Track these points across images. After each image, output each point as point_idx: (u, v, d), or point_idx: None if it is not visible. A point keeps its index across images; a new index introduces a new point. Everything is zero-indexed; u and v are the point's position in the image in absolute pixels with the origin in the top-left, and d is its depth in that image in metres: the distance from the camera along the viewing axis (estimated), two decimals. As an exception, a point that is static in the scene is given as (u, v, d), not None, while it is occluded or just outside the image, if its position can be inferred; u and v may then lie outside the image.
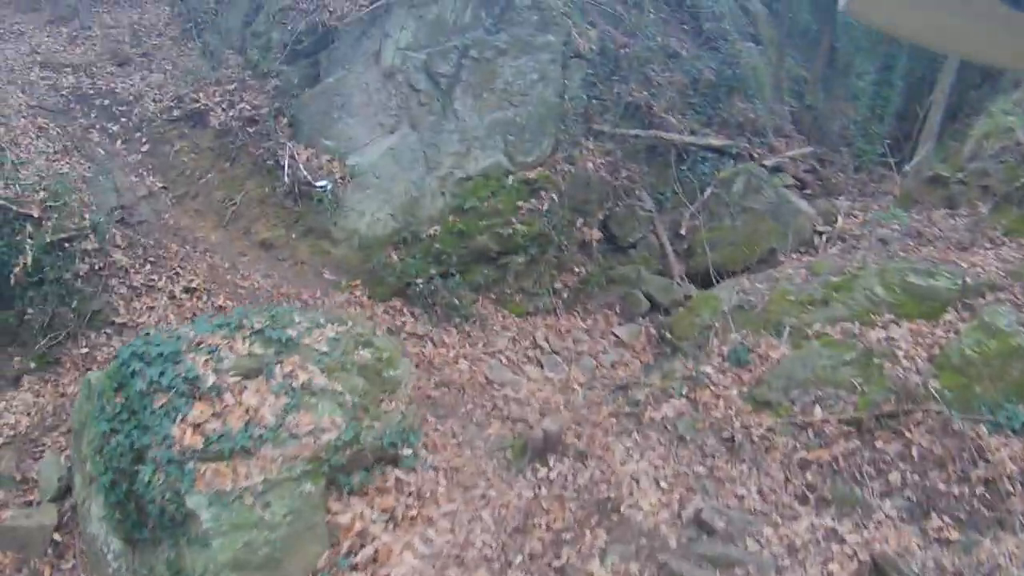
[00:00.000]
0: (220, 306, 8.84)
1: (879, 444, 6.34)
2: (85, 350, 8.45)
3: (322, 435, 5.78)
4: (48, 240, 7.98)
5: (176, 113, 10.29)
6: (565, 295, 11.12)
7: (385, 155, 9.90)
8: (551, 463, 6.77)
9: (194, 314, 8.77)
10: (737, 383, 7.90)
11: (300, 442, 5.66)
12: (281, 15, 10.89)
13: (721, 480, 6.43)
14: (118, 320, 8.61)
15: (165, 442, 5.47)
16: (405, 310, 9.78)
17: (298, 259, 9.77)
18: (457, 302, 9.84)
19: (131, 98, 10.55)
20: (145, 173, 10.03)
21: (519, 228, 10.24)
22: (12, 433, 7.50)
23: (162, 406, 5.60)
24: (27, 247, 7.87)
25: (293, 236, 9.81)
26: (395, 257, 9.83)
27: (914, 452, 6.18)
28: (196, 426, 5.58)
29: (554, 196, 10.70)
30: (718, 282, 10.99)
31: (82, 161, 9.52)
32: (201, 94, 10.31)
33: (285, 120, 10.15)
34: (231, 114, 10.08)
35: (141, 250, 9.13)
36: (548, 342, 10.32)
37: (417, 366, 8.84)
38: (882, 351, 7.16)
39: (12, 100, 10.09)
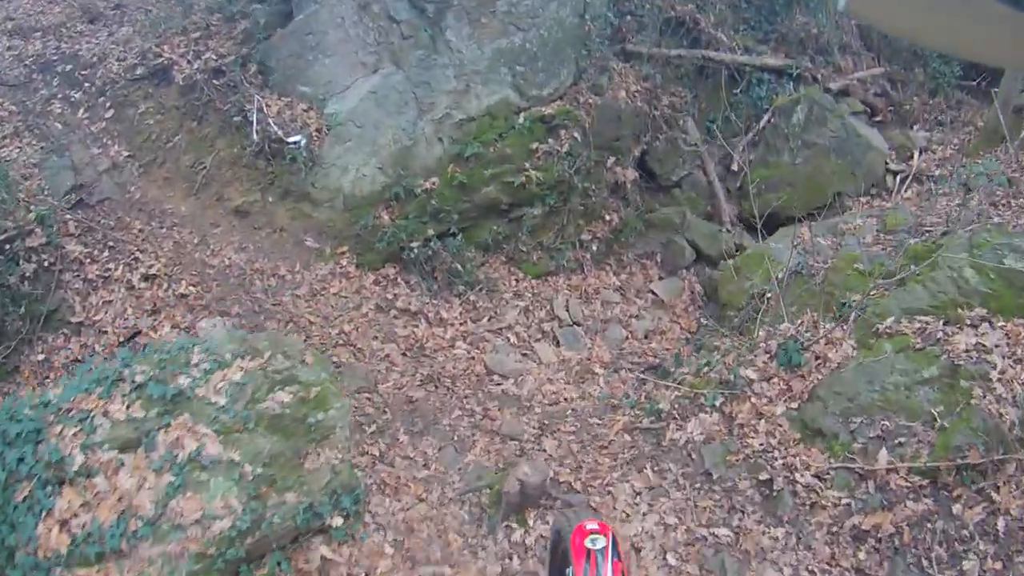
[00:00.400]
0: (182, 295, 7.54)
1: (956, 508, 4.61)
2: (41, 356, 7.38)
3: (212, 524, 4.36)
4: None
5: (140, 71, 8.91)
6: (594, 248, 9.29)
7: (366, 99, 8.22)
8: (531, 521, 5.14)
9: (154, 305, 7.51)
10: (784, 395, 6.13)
11: (186, 534, 4.29)
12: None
13: (748, 554, 4.67)
14: (74, 319, 7.46)
15: (30, 544, 4.21)
16: (399, 279, 8.20)
17: (276, 226, 8.31)
18: (460, 267, 8.17)
19: (95, 60, 9.25)
20: (109, 142, 8.75)
21: (534, 175, 8.40)
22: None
23: (25, 499, 4.28)
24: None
25: (270, 200, 8.34)
26: (386, 218, 8.21)
27: (999, 525, 4.25)
28: (63, 523, 4.28)
29: (576, 134, 8.77)
30: (774, 231, 8.94)
31: (34, 142, 8.32)
32: (165, 46, 8.86)
33: (254, 68, 8.58)
34: (196, 66, 8.62)
35: (100, 235, 7.86)
36: (568, 310, 8.55)
37: (405, 354, 7.31)
38: (971, 370, 5.32)
39: None
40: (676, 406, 6.46)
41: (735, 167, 10.35)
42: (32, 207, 7.54)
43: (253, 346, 5.18)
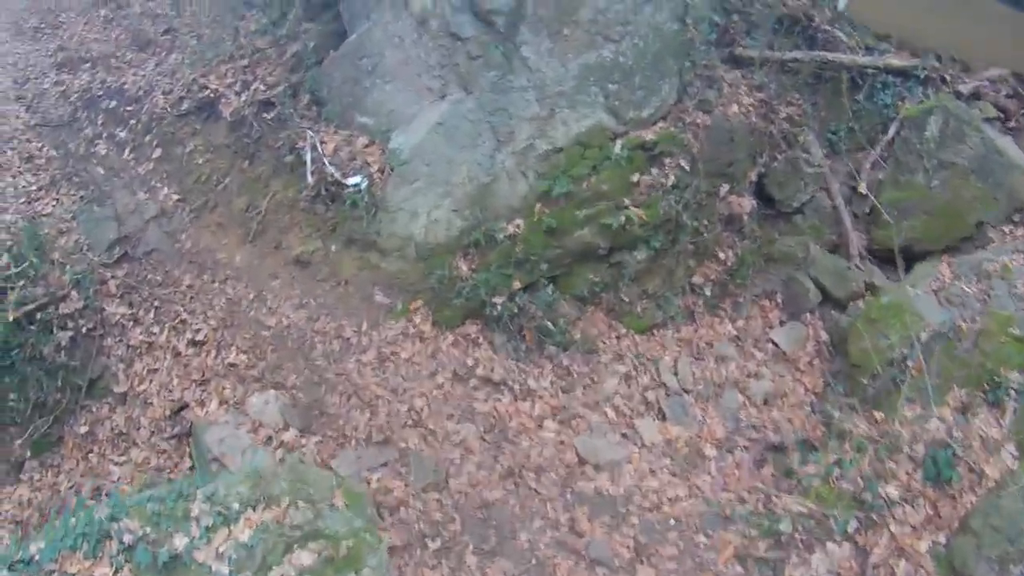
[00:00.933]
0: (232, 364, 6.35)
1: None
2: (85, 428, 6.52)
3: None
4: (12, 316, 5.78)
5: (186, 105, 7.80)
6: (707, 291, 7.73)
7: (434, 132, 6.85)
8: None
9: (203, 374, 6.41)
10: (931, 524, 5.04)
11: None
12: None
13: None
14: (118, 389, 6.50)
15: None
16: (481, 339, 6.82)
17: (340, 278, 7.05)
18: (551, 324, 6.75)
19: (141, 93, 8.21)
20: (158, 185, 7.69)
21: (635, 214, 6.88)
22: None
23: None
24: (-12, 328, 5.72)
25: (333, 249, 7.08)
26: (465, 268, 6.84)
27: None
28: None
29: (683, 162, 7.19)
30: (909, 267, 7.76)
31: (73, 191, 7.39)
32: (212, 76, 7.71)
33: (306, 98, 7.33)
34: (244, 98, 7.47)
35: (145, 293, 6.77)
36: (677, 373, 7.05)
37: (483, 438, 5.96)
38: None
39: (11, 123, 8.06)
40: (800, 527, 5.10)
41: (862, 189, 8.52)
42: (67, 268, 6.50)
43: (267, 492, 3.92)
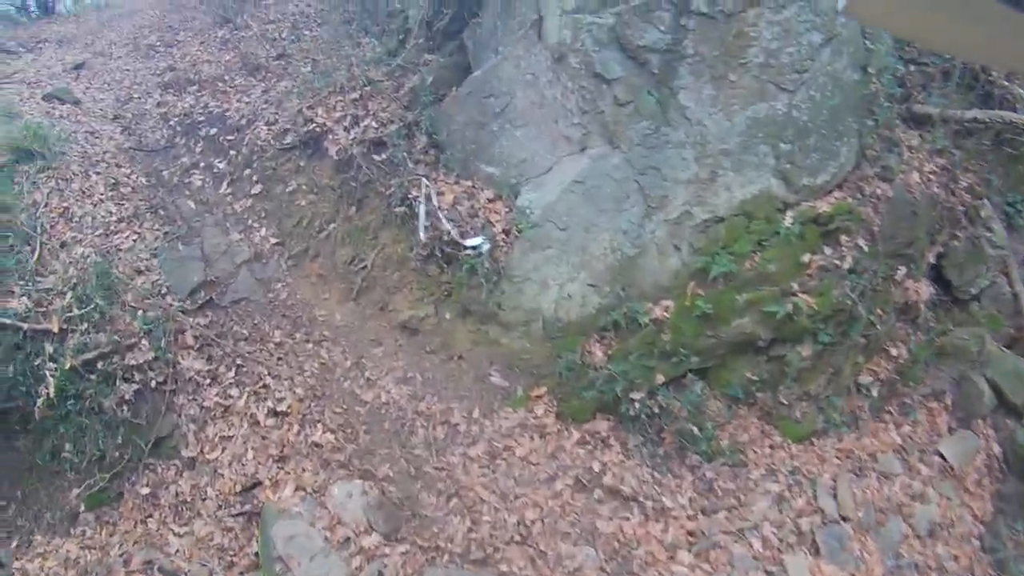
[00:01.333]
0: (316, 443, 5.40)
1: None
2: (147, 489, 5.67)
3: None
4: (70, 364, 4.87)
5: (290, 139, 6.88)
6: (874, 392, 6.37)
7: (571, 190, 5.78)
8: None
9: (281, 451, 5.48)
10: None
11: None
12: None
13: None
14: (186, 453, 5.57)
15: None
16: (612, 440, 5.67)
17: (453, 352, 6.01)
18: (696, 429, 5.52)
19: (243, 122, 7.38)
20: (255, 225, 6.78)
21: (804, 302, 5.60)
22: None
23: None
24: (47, 373, 4.81)
25: (446, 317, 6.05)
26: (600, 354, 5.73)
27: None
28: None
29: (861, 241, 5.92)
30: None
31: (157, 226, 6.51)
32: (319, 109, 6.77)
33: (423, 140, 6.31)
34: (352, 136, 6.48)
35: (228, 346, 5.83)
36: (836, 495, 5.79)
37: (604, 568, 4.85)
38: None
39: (103, 144, 7.30)
40: None
41: (1052, 273, 7.07)
42: (139, 313, 5.64)
43: None
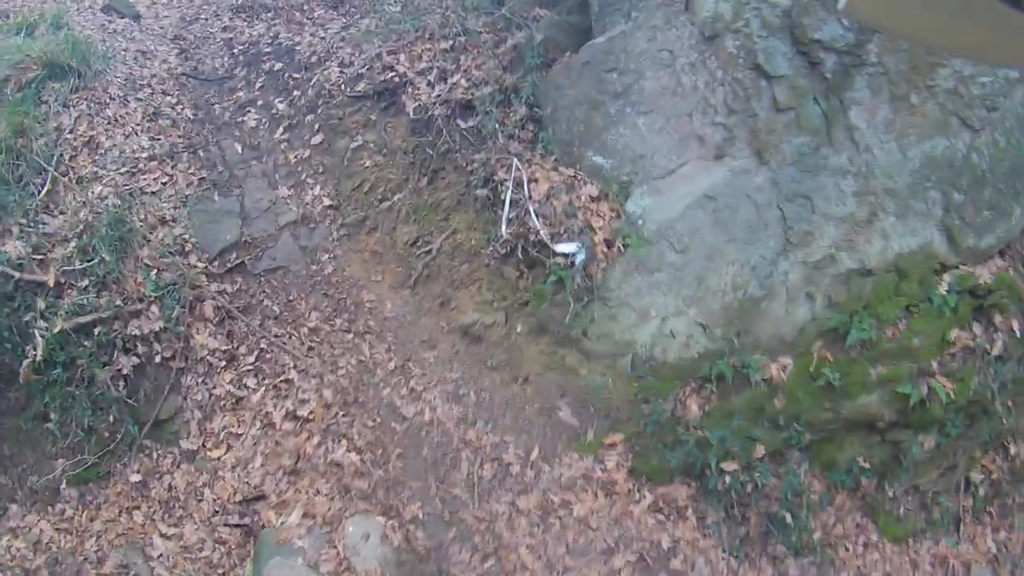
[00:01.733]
0: (336, 462, 4.47)
1: None
2: (138, 476, 4.79)
3: None
4: (60, 327, 3.93)
5: (362, 86, 5.76)
6: (982, 492, 5.28)
7: (698, 205, 4.69)
8: None
9: (295, 463, 4.55)
10: None
11: None
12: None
13: None
14: (186, 444, 4.58)
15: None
16: (690, 512, 4.63)
17: (519, 372, 5.00)
18: (789, 516, 4.48)
19: (313, 60, 6.23)
20: (309, 181, 5.70)
21: (942, 386, 4.50)
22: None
23: None
24: (36, 333, 3.85)
25: (517, 330, 5.02)
26: (695, 408, 4.69)
27: None
28: None
29: (1016, 323, 4.76)
30: None
31: (195, 169, 5.46)
32: (401, 56, 5.63)
33: (520, 111, 5.18)
34: (436, 93, 5.34)
35: (256, 322, 4.87)
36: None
37: None
38: None
39: (153, 66, 6.26)
40: None
41: None
42: (153, 273, 4.62)
43: None
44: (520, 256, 4.93)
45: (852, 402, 4.56)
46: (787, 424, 4.55)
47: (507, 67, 5.60)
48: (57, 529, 4.57)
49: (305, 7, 6.90)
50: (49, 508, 4.63)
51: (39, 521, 4.58)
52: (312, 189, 5.69)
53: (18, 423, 4.46)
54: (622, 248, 4.73)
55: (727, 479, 4.51)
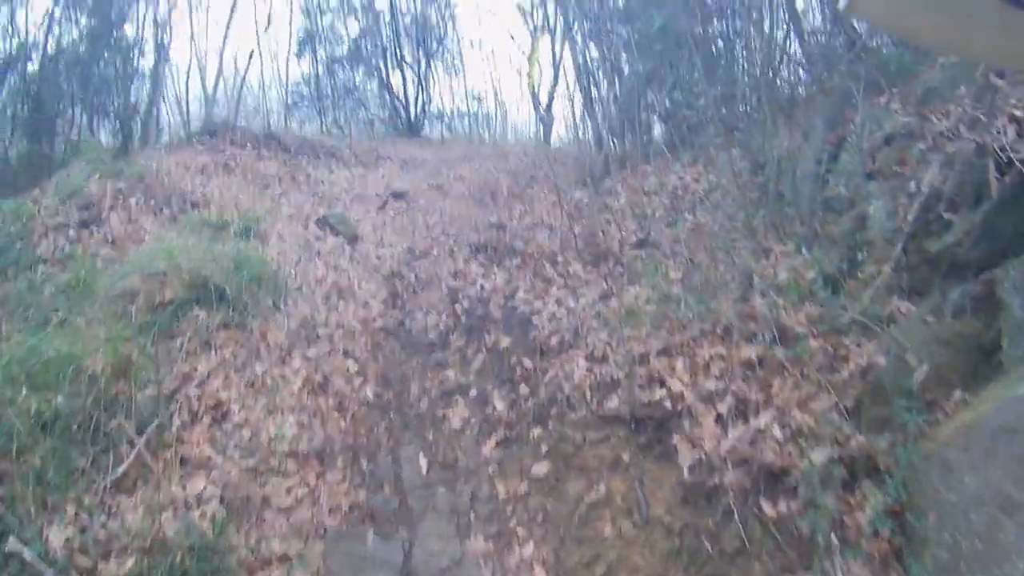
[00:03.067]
0: None
1: None
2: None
3: None
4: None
5: (615, 402, 3.84)
6: None
7: None
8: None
9: None
10: None
11: None
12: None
13: None
14: None
15: None
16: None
17: None
18: None
19: (553, 341, 4.65)
20: (521, 534, 3.84)
21: None
22: None
23: None
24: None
25: None
26: None
27: None
28: None
29: None
30: None
31: (349, 487, 4.06)
32: (679, 362, 3.63)
33: (875, 500, 2.66)
34: (728, 441, 3.22)
35: None
36: None
37: None
38: None
39: (346, 312, 5.28)
40: None
41: None
42: None
43: None
44: None
45: None
46: None
47: (853, 412, 3.19)
48: None
49: (559, 257, 5.40)
50: None
51: None
52: (522, 547, 3.75)
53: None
54: None
55: None
